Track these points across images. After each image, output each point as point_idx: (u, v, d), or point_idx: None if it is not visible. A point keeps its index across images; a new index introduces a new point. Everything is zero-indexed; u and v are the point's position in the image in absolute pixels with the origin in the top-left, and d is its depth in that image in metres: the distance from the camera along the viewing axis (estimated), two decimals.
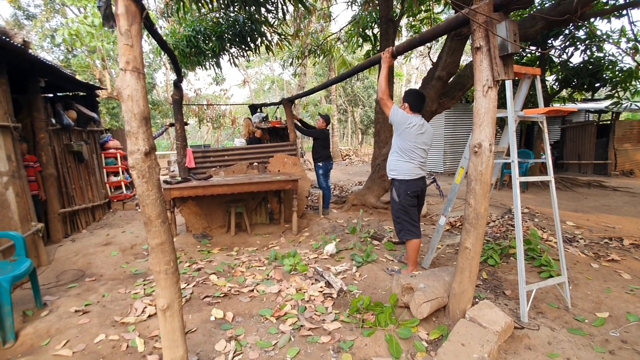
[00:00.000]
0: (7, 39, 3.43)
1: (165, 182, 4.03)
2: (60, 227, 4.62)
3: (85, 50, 12.86)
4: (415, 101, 3.02)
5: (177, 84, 4.42)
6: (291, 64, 10.62)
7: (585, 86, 8.34)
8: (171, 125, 5.71)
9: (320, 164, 5.77)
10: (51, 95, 5.80)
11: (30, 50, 3.84)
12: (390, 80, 5.92)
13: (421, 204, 3.18)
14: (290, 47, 11.02)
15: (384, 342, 2.10)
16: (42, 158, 4.48)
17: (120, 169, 6.84)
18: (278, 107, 7.50)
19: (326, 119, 5.79)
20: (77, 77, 10.72)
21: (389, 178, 3.13)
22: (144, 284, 3.20)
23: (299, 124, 5.84)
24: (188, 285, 3.08)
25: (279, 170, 5.37)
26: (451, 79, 5.65)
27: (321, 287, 2.90)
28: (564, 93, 9.61)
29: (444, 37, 5.18)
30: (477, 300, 2.45)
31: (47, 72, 4.73)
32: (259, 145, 5.38)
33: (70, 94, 6.42)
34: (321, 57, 10.62)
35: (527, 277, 3.20)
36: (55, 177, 4.65)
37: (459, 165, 2.97)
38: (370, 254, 3.50)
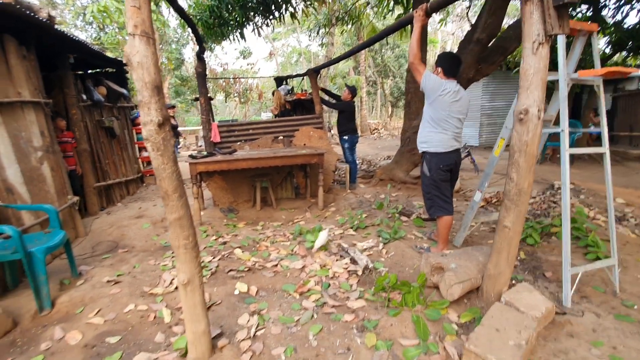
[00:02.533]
0: (32, 14, 3.44)
1: (191, 156, 4.04)
2: (96, 201, 4.83)
3: (116, 27, 13.03)
4: (450, 65, 2.74)
5: (200, 56, 4.32)
6: (318, 33, 10.20)
7: None
8: (196, 99, 5.69)
9: (346, 137, 5.58)
10: (81, 72, 5.92)
11: (56, 26, 3.86)
12: (423, 45, 5.50)
13: (454, 179, 2.96)
14: (317, 15, 10.57)
15: (410, 323, 2.00)
16: (76, 134, 4.62)
17: None
18: (303, 79, 7.27)
19: (352, 90, 5.52)
20: (108, 54, 10.94)
21: (420, 151, 2.92)
22: (172, 257, 3.26)
23: (325, 96, 5.63)
24: (214, 258, 3.11)
25: (304, 144, 5.25)
26: (491, 42, 5.15)
27: (346, 263, 2.83)
28: (616, 57, 8.60)
29: None
30: (514, 282, 2.27)
31: (75, 48, 4.78)
32: (284, 119, 5.25)
33: (102, 70, 6.54)
34: (349, 25, 10.13)
35: (571, 259, 2.95)
36: (89, 152, 4.80)
37: (499, 136, 2.70)
38: (397, 231, 3.36)
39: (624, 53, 7.94)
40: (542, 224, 3.37)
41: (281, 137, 5.24)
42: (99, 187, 5.03)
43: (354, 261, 2.85)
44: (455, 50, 5.71)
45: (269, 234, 3.80)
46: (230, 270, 2.85)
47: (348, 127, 5.53)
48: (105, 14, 11.50)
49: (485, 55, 5.27)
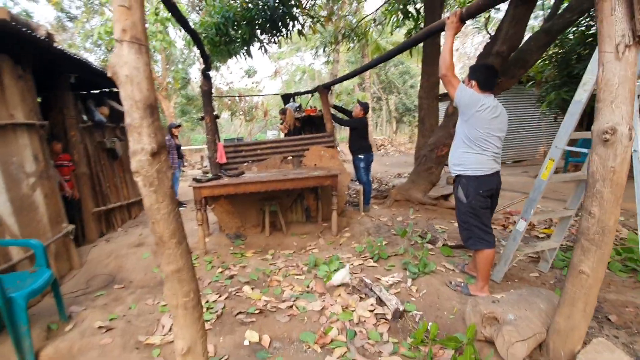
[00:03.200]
0: (29, 31, 3.23)
1: (195, 180, 3.74)
2: (95, 227, 4.52)
3: None
4: (486, 77, 2.43)
5: (205, 74, 4.08)
6: (324, 50, 10.07)
7: None
8: (201, 118, 5.46)
9: (361, 157, 5.26)
10: (84, 92, 5.73)
11: (55, 44, 3.65)
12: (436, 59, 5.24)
13: (494, 205, 2.60)
14: (323, 32, 10.49)
15: None
16: (74, 156, 4.36)
17: None
18: (312, 96, 7.04)
19: (364, 106, 5.24)
20: None
21: (453, 174, 2.58)
22: None
23: (335, 112, 5.35)
24: (220, 297, 2.75)
25: (315, 165, 4.94)
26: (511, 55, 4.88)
27: (372, 305, 2.45)
28: None
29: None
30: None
31: (76, 67, 4.58)
32: (293, 138, 4.97)
33: (106, 90, 6.37)
34: (355, 42, 9.99)
35: (633, 296, 2.55)
36: (88, 175, 4.53)
37: (547, 156, 2.35)
38: (427, 263, 2.98)
39: None
40: None
41: (290, 158, 4.94)
42: (99, 212, 4.73)
43: (380, 301, 2.47)
44: (459, 66, 5.45)
45: (280, 264, 3.44)
46: (239, 313, 2.48)
47: (362, 145, 5.22)
48: (112, 35, 11.56)
49: (505, 69, 5.00)
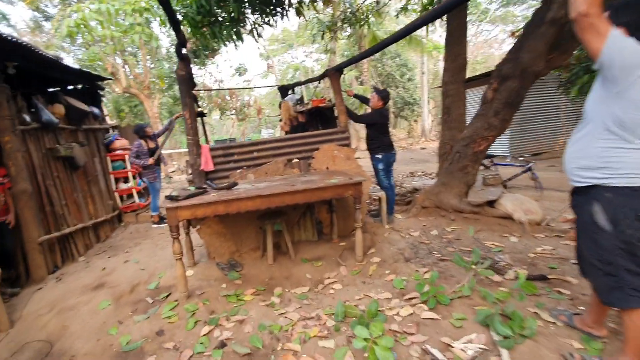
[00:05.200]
0: None
1: (170, 197, 2.69)
2: (43, 261, 3.44)
3: (99, 43, 11.87)
4: None
5: (180, 52, 3.02)
6: (322, 37, 9.03)
7: None
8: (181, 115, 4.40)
9: (379, 156, 4.24)
10: (34, 87, 4.63)
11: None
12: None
13: None
14: (321, 18, 9.48)
15: None
16: (10, 169, 3.28)
17: (130, 174, 5.65)
18: (317, 86, 6.01)
19: (384, 95, 4.22)
20: (94, 73, 9.70)
21: (581, 184, 1.57)
22: None
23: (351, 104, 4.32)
24: None
25: (327, 168, 3.91)
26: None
27: None
28: None
29: None
30: None
31: (16, 54, 3.51)
32: (298, 135, 3.94)
33: (71, 87, 5.26)
34: (356, 27, 8.96)
35: None
36: (31, 193, 3.44)
37: None
38: (522, 318, 1.97)
39: None
40: None
41: (296, 160, 3.91)
42: (50, 240, 3.65)
43: None
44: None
45: (293, 314, 2.42)
46: None
47: (381, 141, 4.21)
48: (84, 28, 10.38)
49: (557, 42, 4.03)
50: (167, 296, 2.89)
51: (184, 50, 3.06)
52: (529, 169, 5.01)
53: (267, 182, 3.33)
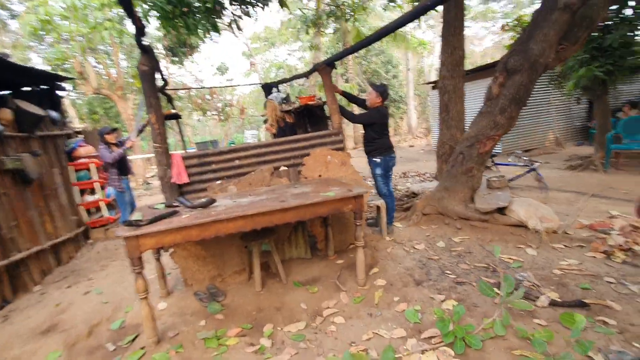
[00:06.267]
0: None
1: (129, 223, 2.16)
2: None
3: (66, 40, 11.00)
4: None
5: (140, 42, 2.48)
6: (307, 32, 8.55)
7: None
8: (167, 117, 3.82)
9: (378, 160, 3.81)
10: None
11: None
12: None
13: None
14: (305, 12, 8.98)
15: None
16: None
17: (97, 185, 5.04)
18: (302, 84, 5.52)
19: (382, 91, 3.77)
20: (61, 73, 8.89)
21: None
22: None
23: (344, 103, 3.86)
24: None
25: (320, 175, 3.45)
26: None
27: None
28: None
29: None
30: None
31: None
32: (285, 139, 3.46)
33: (31, 90, 4.61)
34: (342, 20, 8.53)
35: None
36: None
37: None
38: None
39: None
40: None
41: (284, 168, 3.43)
42: None
43: None
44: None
45: None
46: None
47: (379, 143, 3.77)
48: (49, 26, 9.57)
49: (568, 31, 3.69)
50: (134, 339, 2.38)
51: (145, 41, 2.52)
52: (534, 170, 4.68)
53: (251, 195, 2.84)
